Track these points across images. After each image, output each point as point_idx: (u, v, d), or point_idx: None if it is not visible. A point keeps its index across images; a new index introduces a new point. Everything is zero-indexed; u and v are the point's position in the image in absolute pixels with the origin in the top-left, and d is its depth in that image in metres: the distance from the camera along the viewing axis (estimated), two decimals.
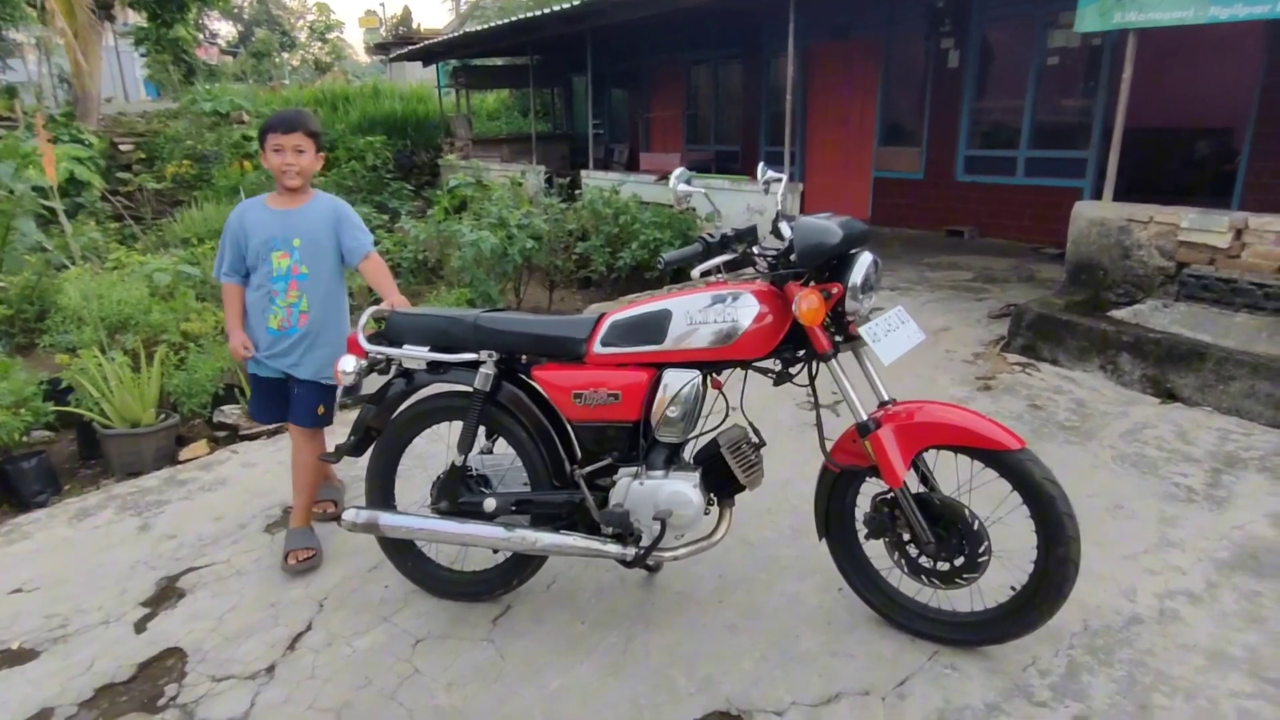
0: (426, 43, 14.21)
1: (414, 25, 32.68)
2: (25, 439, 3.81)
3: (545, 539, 2.50)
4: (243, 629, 2.69)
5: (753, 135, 11.25)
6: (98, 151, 11.04)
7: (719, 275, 2.45)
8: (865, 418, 2.29)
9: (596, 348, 2.45)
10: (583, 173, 9.87)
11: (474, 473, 2.70)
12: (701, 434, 2.51)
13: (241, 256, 2.92)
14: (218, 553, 3.16)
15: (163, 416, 4.00)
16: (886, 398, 2.37)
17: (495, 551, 2.64)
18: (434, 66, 15.99)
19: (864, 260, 2.27)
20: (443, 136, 14.63)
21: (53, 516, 3.48)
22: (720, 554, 2.91)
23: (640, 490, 2.42)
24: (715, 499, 2.54)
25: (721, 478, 2.48)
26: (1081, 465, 3.66)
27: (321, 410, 3.07)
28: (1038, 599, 2.27)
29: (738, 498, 2.58)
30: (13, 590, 2.95)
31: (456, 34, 13.43)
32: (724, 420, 2.52)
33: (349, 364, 2.56)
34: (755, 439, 2.55)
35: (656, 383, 2.41)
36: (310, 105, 17.09)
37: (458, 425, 2.68)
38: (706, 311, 2.36)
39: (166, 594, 2.90)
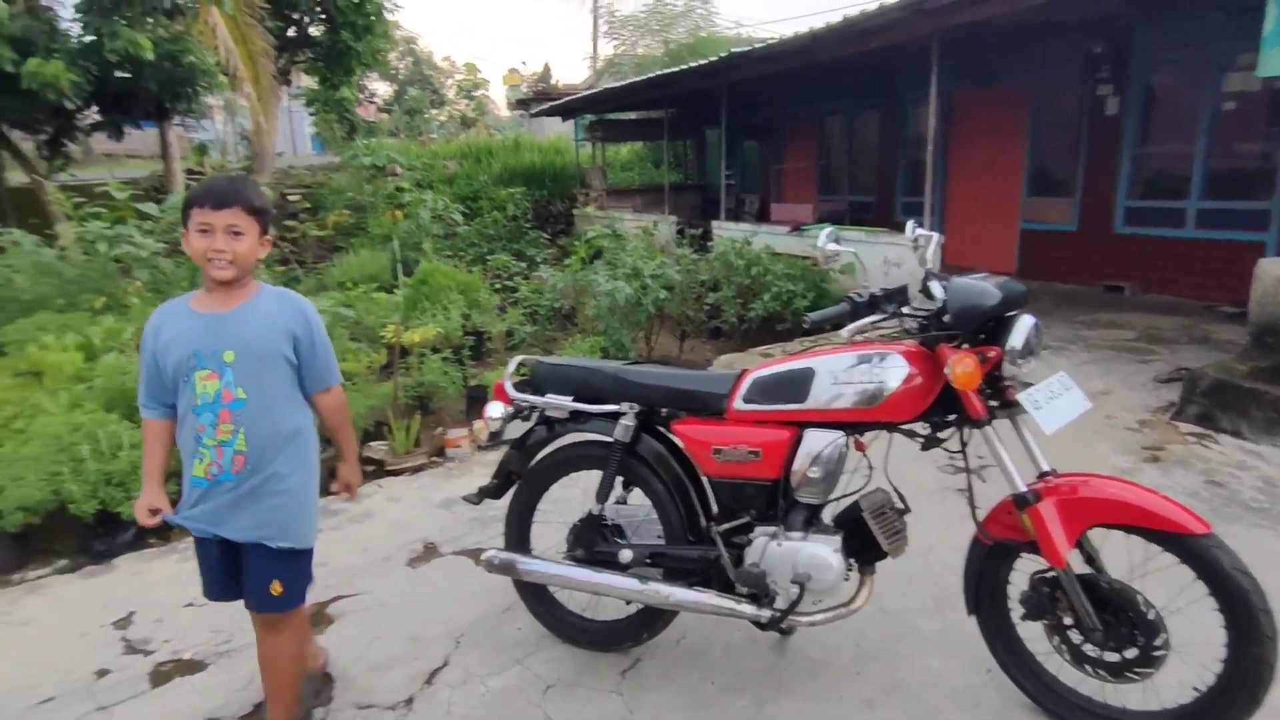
0: (566, 99, 14.91)
1: (553, 81, 34.40)
2: None
3: (679, 594, 2.48)
4: (385, 659, 2.80)
5: (888, 185, 11.06)
6: (270, 202, 12.16)
7: (867, 334, 2.39)
8: (1023, 489, 2.15)
9: (737, 404, 2.44)
10: (714, 223, 9.99)
11: (609, 522, 2.73)
12: (842, 496, 2.44)
13: (159, 381, 2.15)
14: (364, 583, 3.33)
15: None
16: (1046, 468, 2.22)
17: (628, 603, 2.64)
18: (571, 120, 16.70)
19: (1025, 323, 2.16)
20: (578, 187, 15.19)
21: None
22: (858, 622, 2.79)
23: (778, 551, 2.37)
24: (855, 564, 2.45)
25: (863, 543, 2.40)
26: (1275, 553, 3.29)
27: (279, 589, 2.23)
28: (1226, 703, 2.03)
29: (878, 565, 2.48)
30: (185, 604, 3.20)
31: (595, 90, 14.03)
32: (866, 483, 2.45)
33: (496, 410, 2.66)
34: (899, 504, 2.45)
35: (797, 442, 2.36)
36: (456, 158, 18.22)
37: (595, 474, 2.74)
38: (851, 371, 2.31)
39: (318, 619, 3.07)
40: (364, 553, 3.57)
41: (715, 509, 2.59)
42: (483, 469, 4.48)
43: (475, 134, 29.51)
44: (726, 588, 2.50)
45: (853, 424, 2.35)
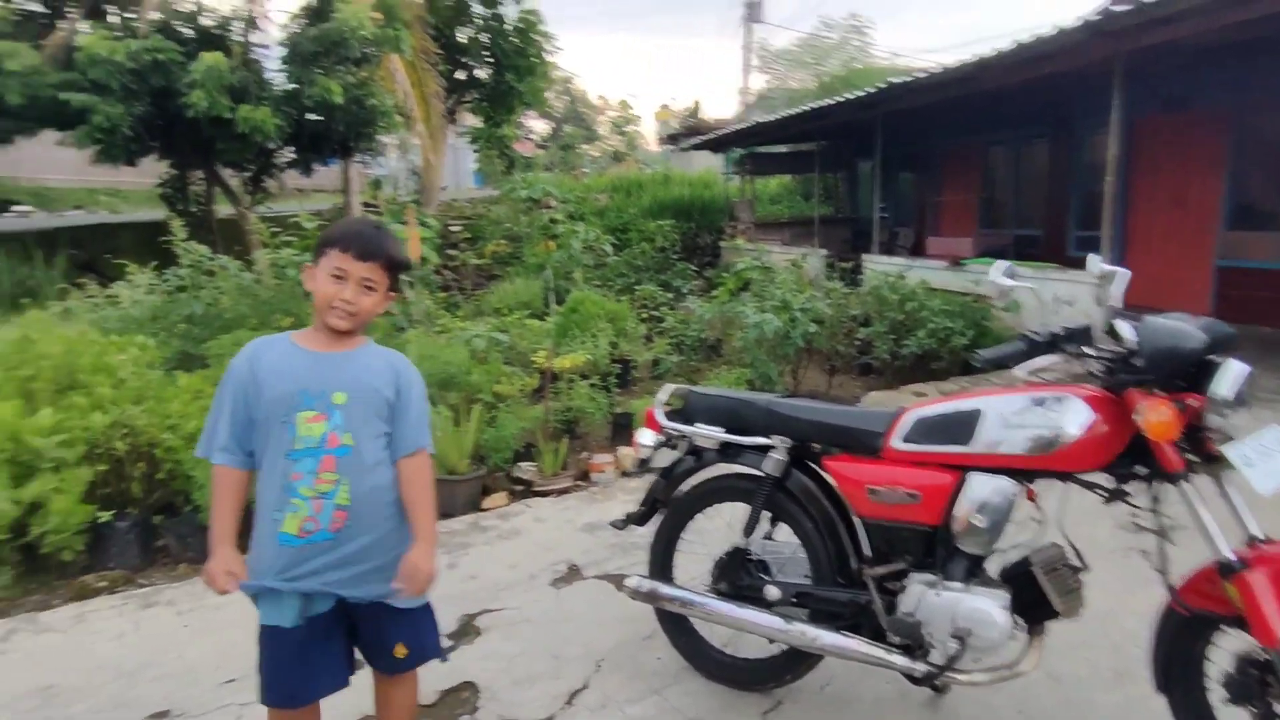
0: (718, 132, 15.07)
1: (702, 116, 34.95)
2: None
3: (826, 638, 2.38)
4: (528, 676, 2.86)
5: (1059, 218, 10.36)
6: (435, 232, 13.02)
7: (1043, 375, 2.23)
8: (1230, 556, 1.92)
9: (895, 443, 2.34)
10: (865, 257, 9.73)
11: (755, 557, 2.67)
12: (1009, 548, 2.27)
13: (248, 421, 1.90)
14: (510, 598, 3.43)
15: (474, 468, 4.49)
16: (1259, 534, 1.97)
17: (771, 641, 2.56)
18: (721, 153, 16.84)
19: (1234, 369, 1.94)
20: (726, 220, 15.26)
21: None
22: (1023, 687, 2.57)
23: (936, 601, 2.23)
24: (1022, 623, 2.26)
25: (1032, 600, 2.22)
26: None
27: (402, 651, 2.03)
28: None
29: (1049, 626, 2.28)
30: None
31: (747, 124, 14.10)
32: (1038, 536, 2.26)
33: (646, 437, 2.69)
34: (1075, 561, 2.26)
35: (961, 486, 2.23)
36: (606, 191, 18.80)
37: (741, 506, 2.70)
38: (1024, 414, 2.16)
39: (466, 630, 3.19)
40: (511, 569, 3.68)
41: (867, 551, 2.49)
42: (626, 495, 4.53)
43: (625, 168, 30.37)
44: (877, 635, 2.38)
45: (1023, 471, 2.19)
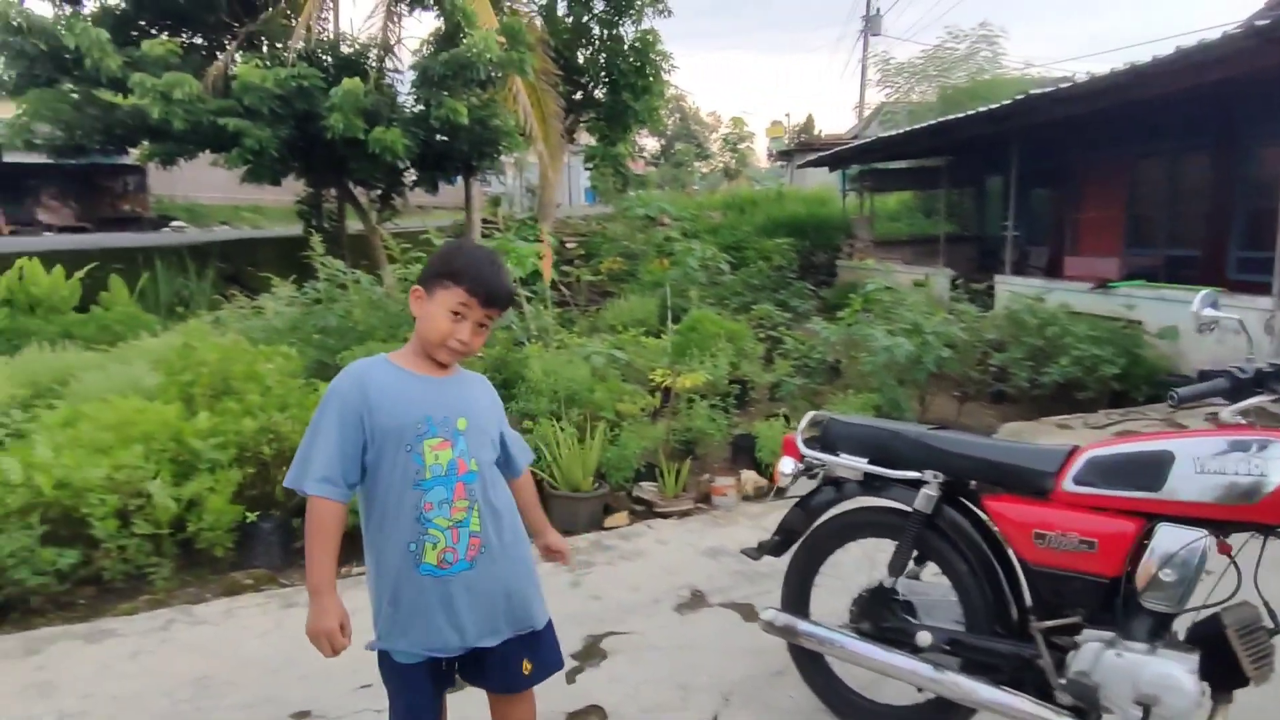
0: (836, 149, 14.78)
1: (816, 132, 34.44)
2: None
3: (985, 692, 2.20)
4: (655, 704, 2.79)
5: (1218, 238, 9.50)
6: (553, 249, 13.30)
7: (1247, 418, 2.00)
8: None
9: (1068, 484, 2.14)
10: (998, 278, 9.23)
11: (900, 597, 2.51)
12: (1200, 607, 2.04)
13: (359, 450, 1.77)
14: (634, 622, 3.37)
15: (596, 485, 4.48)
16: None
17: (919, 690, 2.40)
18: (837, 170, 16.49)
19: None
20: (843, 238, 14.90)
21: None
22: None
23: (1116, 663, 2.02)
24: (1208, 689, 2.03)
25: (1220, 664, 1.99)
26: None
27: (528, 667, 1.95)
28: None
29: (1236, 693, 2.04)
30: None
31: (868, 139, 13.75)
32: (1232, 595, 2.02)
33: (788, 466, 2.58)
34: (1269, 622, 2.02)
35: (1145, 536, 2.02)
36: (720, 209, 18.75)
37: (883, 542, 2.55)
38: (1222, 460, 1.94)
39: (592, 651, 3.15)
40: (634, 591, 3.64)
41: (1028, 600, 2.29)
42: (749, 520, 4.41)
43: (736, 185, 30.24)
44: (1043, 694, 2.18)
45: (1217, 521, 1.96)
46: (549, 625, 2.04)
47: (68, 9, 10.03)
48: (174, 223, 20.10)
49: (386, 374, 1.84)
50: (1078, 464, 2.14)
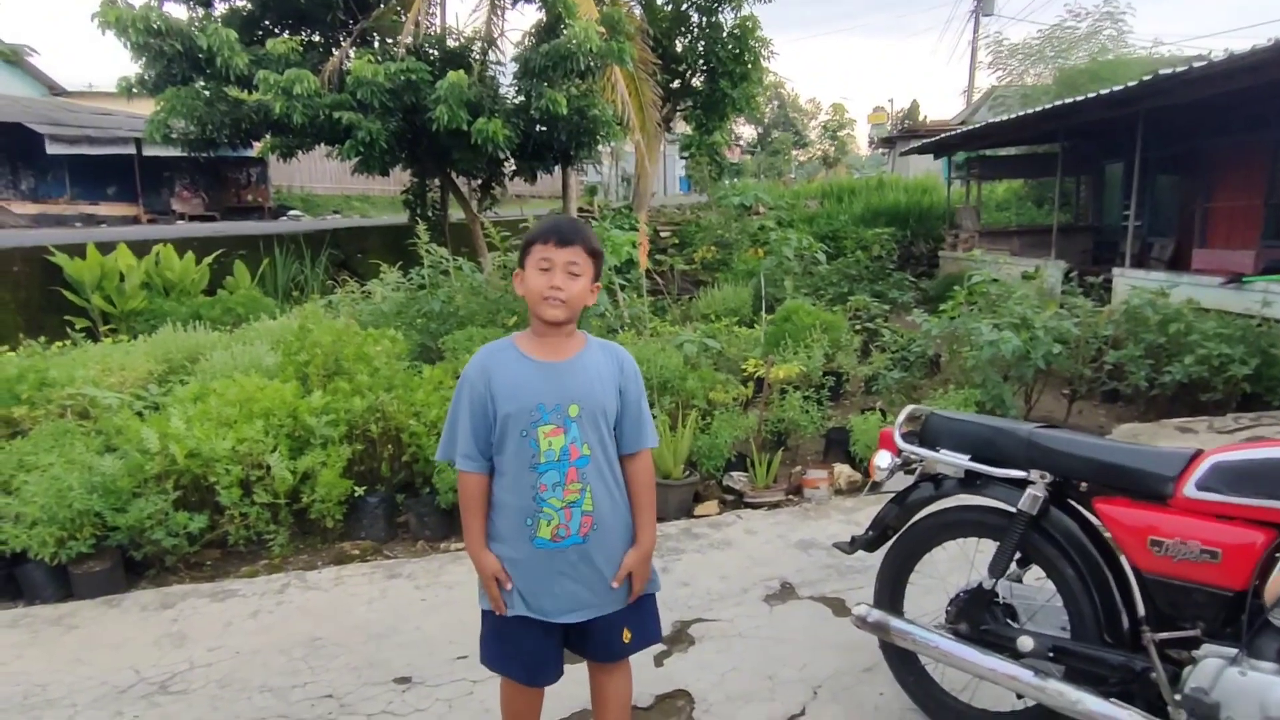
0: (942, 135, 14.21)
1: (920, 118, 33.25)
2: None
3: (1092, 704, 2.10)
4: (742, 692, 2.80)
5: None
6: (649, 237, 13.37)
7: None
8: None
9: (1190, 490, 2.02)
10: (1115, 270, 8.69)
11: (1001, 600, 2.43)
12: None
13: (487, 430, 1.97)
14: (722, 610, 3.38)
15: (687, 473, 4.51)
16: None
17: (1019, 697, 2.32)
18: (941, 158, 15.89)
19: None
20: (945, 227, 14.37)
21: None
22: None
23: (1241, 682, 1.90)
24: None
25: None
26: None
27: (628, 636, 2.09)
28: None
29: None
30: None
31: (974, 126, 13.18)
32: None
33: (884, 459, 2.53)
34: None
35: (1277, 548, 1.89)
36: (817, 197, 18.38)
37: (983, 542, 2.47)
38: None
39: (680, 637, 3.19)
40: (723, 580, 3.65)
41: (1141, 610, 2.18)
42: (840, 514, 4.35)
43: (835, 173, 29.58)
44: (1154, 709, 2.07)
45: None
46: (651, 598, 2.16)
47: (200, 10, 10.72)
48: (291, 212, 21.24)
49: (508, 360, 1.99)
50: (1202, 468, 2.02)
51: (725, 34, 14.74)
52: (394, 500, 4.37)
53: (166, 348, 6.19)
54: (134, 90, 10.52)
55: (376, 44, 11.60)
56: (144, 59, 10.05)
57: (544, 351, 2.00)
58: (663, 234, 15.73)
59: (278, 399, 4.33)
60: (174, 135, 10.63)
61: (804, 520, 4.30)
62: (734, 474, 4.73)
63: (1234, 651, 1.94)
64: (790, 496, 4.61)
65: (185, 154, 11.38)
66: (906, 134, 22.75)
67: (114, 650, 3.19)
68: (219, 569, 3.96)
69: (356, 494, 4.19)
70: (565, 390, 1.97)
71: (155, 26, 9.56)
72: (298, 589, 3.66)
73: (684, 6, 14.79)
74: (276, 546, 3.96)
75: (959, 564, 2.61)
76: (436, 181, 13.05)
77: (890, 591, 2.67)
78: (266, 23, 11.37)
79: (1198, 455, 2.06)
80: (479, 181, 13.15)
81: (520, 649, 2.03)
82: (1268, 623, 1.91)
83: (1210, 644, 1.99)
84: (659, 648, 3.09)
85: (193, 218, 19.79)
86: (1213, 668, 1.95)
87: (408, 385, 4.71)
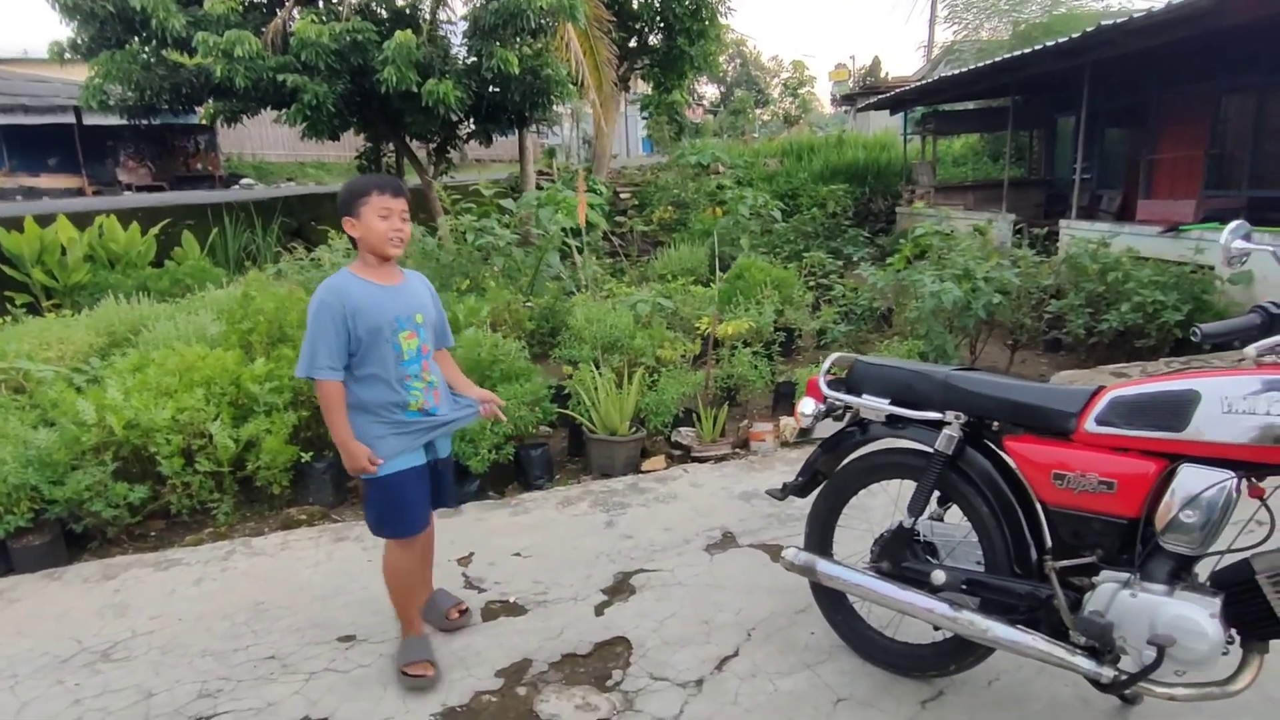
0: (898, 90, 14.23)
1: (882, 75, 33.16)
2: (534, 431, 4.64)
3: (999, 630, 2.20)
4: (679, 638, 2.88)
5: None
6: (605, 199, 13.26)
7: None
8: None
9: (1090, 425, 2.10)
10: (1062, 222, 8.83)
11: (921, 538, 2.52)
12: (1226, 551, 1.99)
13: (345, 343, 2.47)
14: (664, 560, 3.46)
15: (634, 430, 4.55)
16: None
17: (935, 629, 2.41)
18: (900, 114, 15.92)
19: None
20: (903, 183, 14.46)
21: (546, 499, 4.17)
22: (1233, 709, 2.27)
23: (1132, 603, 2.00)
24: (1236, 636, 1.99)
25: (1251, 612, 1.94)
26: None
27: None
28: None
29: (1272, 644, 1.99)
30: (514, 553, 3.58)
31: (930, 80, 13.20)
32: (1265, 540, 1.97)
33: (808, 406, 2.59)
34: None
35: (1168, 477, 1.97)
36: (777, 155, 18.34)
37: (907, 484, 2.55)
38: (1254, 400, 1.87)
39: (621, 587, 3.25)
40: (666, 532, 3.72)
41: (1048, 541, 2.27)
42: (785, 465, 4.43)
43: (797, 132, 29.48)
44: (1058, 634, 2.17)
45: (1249, 465, 1.90)
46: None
47: None
48: (243, 180, 20.70)
49: (359, 287, 2.51)
50: (1100, 404, 2.10)
51: None
52: (341, 465, 4.36)
53: (109, 320, 6.05)
54: (66, 55, 10.13)
55: (321, 3, 11.26)
56: (76, 21, 9.67)
57: (384, 278, 2.58)
58: (623, 195, 15.62)
59: (219, 367, 4.28)
60: (111, 102, 10.27)
61: (749, 472, 4.38)
62: (682, 429, 4.79)
63: (1128, 576, 2.04)
64: (737, 450, 4.69)
65: (125, 121, 11.01)
66: (867, 91, 22.68)
67: (55, 621, 3.18)
68: (164, 539, 3.94)
69: (303, 460, 4.17)
70: (410, 305, 2.61)
71: None
72: (243, 555, 3.66)
73: None
74: (221, 515, 3.95)
75: (890, 509, 2.69)
76: (391, 146, 12.80)
77: (820, 535, 2.74)
78: None
79: (1098, 392, 2.13)
80: (433, 145, 12.93)
81: (410, 501, 2.64)
82: (1159, 547, 2.00)
83: (1107, 569, 2.09)
84: (599, 598, 3.16)
85: (140, 188, 19.22)
86: (1108, 591, 2.05)
87: None
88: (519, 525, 3.87)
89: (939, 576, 2.34)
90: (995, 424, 2.35)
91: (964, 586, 2.33)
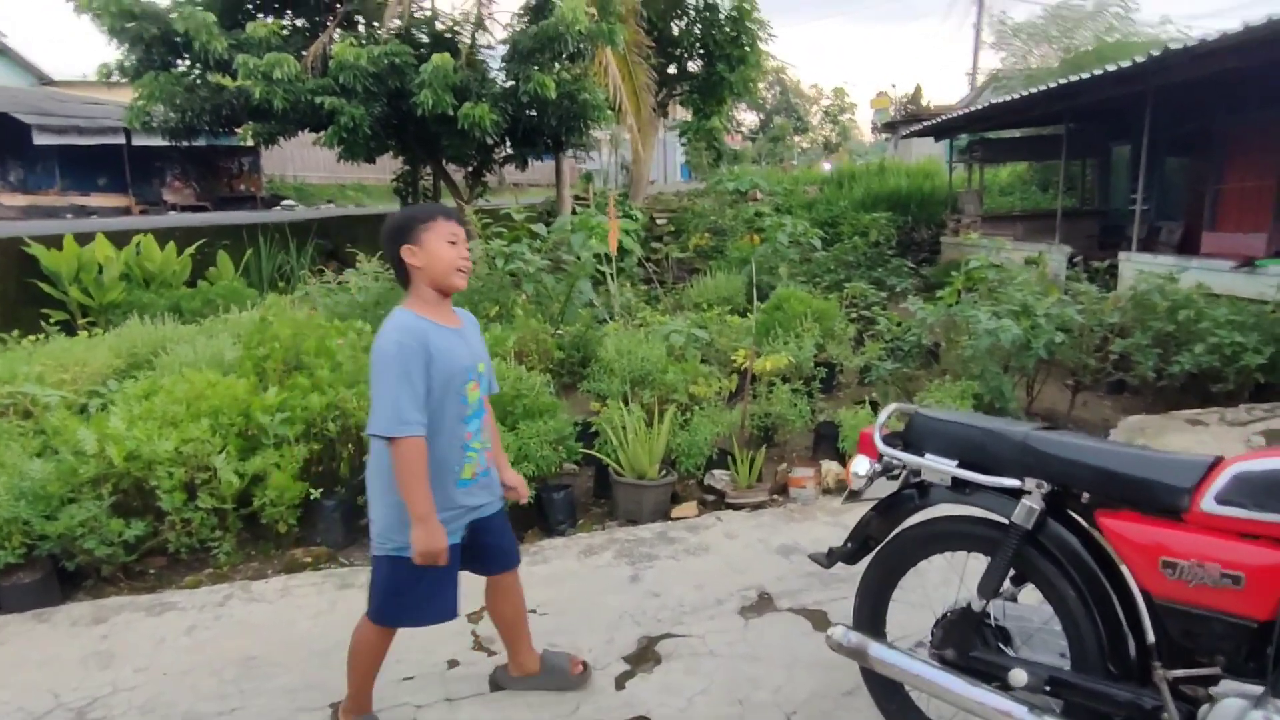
0: (942, 118, 13.85)
1: (924, 103, 32.72)
2: (557, 472, 4.35)
3: None
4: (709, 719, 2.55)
5: None
6: (641, 225, 13.06)
7: None
8: None
9: (1208, 504, 1.75)
10: (1122, 255, 8.37)
11: (993, 623, 2.17)
12: None
13: (425, 395, 2.14)
14: (694, 624, 3.13)
15: (663, 473, 4.24)
16: None
17: None
18: (944, 142, 15.54)
19: None
20: (947, 212, 14.04)
21: (567, 547, 3.87)
22: None
23: None
24: None
25: None
26: None
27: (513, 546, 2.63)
28: None
29: None
30: (530, 609, 3.27)
31: (977, 107, 12.81)
32: None
33: (862, 466, 2.26)
34: None
35: None
36: (817, 183, 18.03)
37: (974, 556, 2.21)
38: None
39: (645, 655, 2.93)
40: (697, 590, 3.39)
41: (1151, 635, 1.92)
42: (827, 516, 4.08)
43: (836, 159, 29.17)
44: None
45: None
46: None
47: None
48: (284, 201, 20.98)
49: (430, 329, 2.19)
50: (1221, 479, 1.75)
51: (722, 16, 14.38)
52: (354, 503, 4.11)
53: (132, 341, 5.94)
54: (113, 77, 10.26)
55: (362, 27, 11.30)
56: (124, 44, 9.78)
57: (447, 319, 2.28)
58: (659, 221, 15.43)
59: (228, 396, 4.07)
60: (154, 123, 10.36)
61: (787, 523, 4.03)
62: (715, 472, 4.46)
63: (1259, 690, 1.68)
64: (775, 497, 4.35)
65: (168, 142, 11.11)
66: (909, 118, 22.32)
67: (37, 670, 2.95)
68: (163, 577, 3.72)
69: (312, 497, 3.94)
70: (473, 350, 2.32)
71: (130, 9, 9.28)
72: (240, 601, 3.41)
73: None
74: (222, 554, 3.72)
75: (949, 577, 2.35)
76: (428, 169, 12.76)
77: (871, 610, 2.41)
78: (249, 7, 11.06)
79: (1217, 464, 1.79)
80: (470, 169, 12.86)
81: (443, 585, 2.28)
82: None
83: (1231, 680, 1.73)
84: (621, 667, 2.84)
85: (184, 208, 19.56)
86: (1234, 709, 1.68)
87: None
88: (536, 577, 3.56)
89: (1019, 676, 1.98)
90: (1085, 495, 2.01)
91: (1047, 687, 1.98)
